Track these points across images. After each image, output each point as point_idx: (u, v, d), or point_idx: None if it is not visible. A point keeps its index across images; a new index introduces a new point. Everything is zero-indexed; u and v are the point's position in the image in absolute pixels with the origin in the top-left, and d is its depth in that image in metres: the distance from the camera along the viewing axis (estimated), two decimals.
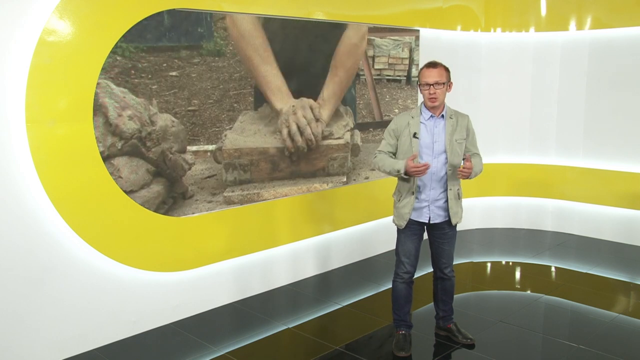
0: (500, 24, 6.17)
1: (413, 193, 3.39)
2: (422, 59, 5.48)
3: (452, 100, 5.62)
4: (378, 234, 5.41)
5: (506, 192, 6.45)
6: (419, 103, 3.57)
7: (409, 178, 3.36)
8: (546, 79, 6.13)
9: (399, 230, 3.52)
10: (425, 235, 3.56)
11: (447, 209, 3.42)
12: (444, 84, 3.30)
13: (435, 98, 3.29)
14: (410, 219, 3.44)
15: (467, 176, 3.32)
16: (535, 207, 6.39)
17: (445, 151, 3.36)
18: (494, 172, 6.34)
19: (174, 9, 3.73)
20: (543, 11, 6.03)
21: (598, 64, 5.81)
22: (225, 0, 3.97)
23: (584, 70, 5.90)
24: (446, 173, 3.37)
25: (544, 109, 6.18)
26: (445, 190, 3.39)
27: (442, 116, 3.38)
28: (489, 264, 5.37)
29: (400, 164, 3.30)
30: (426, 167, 3.22)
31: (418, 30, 5.54)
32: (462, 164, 3.38)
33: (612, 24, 5.67)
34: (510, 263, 5.38)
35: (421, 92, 3.36)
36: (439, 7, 5.70)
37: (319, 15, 4.62)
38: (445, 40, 5.86)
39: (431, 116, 3.37)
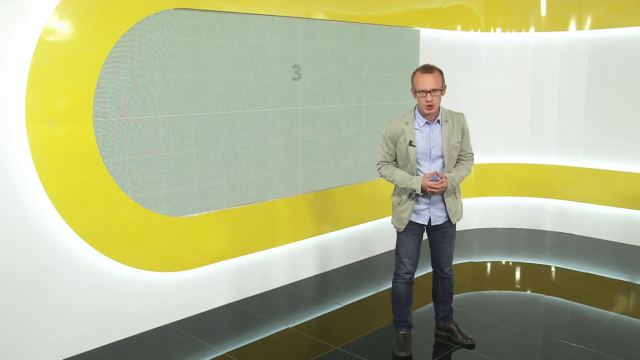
0: (500, 24, 6.17)
1: (413, 198, 3.39)
2: (422, 59, 5.48)
3: (453, 100, 5.64)
4: (378, 234, 5.41)
5: (506, 192, 6.45)
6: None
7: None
8: (546, 79, 6.12)
9: (398, 232, 3.52)
10: (425, 235, 3.56)
11: (446, 210, 3.42)
12: (440, 90, 3.25)
13: (432, 105, 3.25)
14: (410, 220, 3.43)
15: (438, 193, 3.31)
16: (535, 207, 6.39)
17: (442, 156, 3.35)
18: (494, 172, 6.34)
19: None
20: (543, 11, 6.03)
21: (598, 64, 5.81)
22: (225, 0, 3.97)
23: (584, 70, 5.90)
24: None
25: (544, 109, 6.18)
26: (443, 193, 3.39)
27: (438, 121, 3.35)
28: (489, 264, 5.37)
29: (415, 184, 3.29)
30: (443, 186, 3.25)
31: (418, 31, 5.54)
32: (435, 178, 3.30)
33: (612, 24, 5.67)
34: (510, 263, 5.38)
35: (415, 98, 3.33)
36: (439, 7, 5.70)
37: (319, 15, 4.62)
38: (445, 40, 5.86)
39: (426, 122, 3.34)
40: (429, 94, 3.22)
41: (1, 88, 3.09)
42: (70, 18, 3.27)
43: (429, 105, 3.25)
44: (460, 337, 3.65)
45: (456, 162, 3.45)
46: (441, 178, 3.29)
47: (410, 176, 3.34)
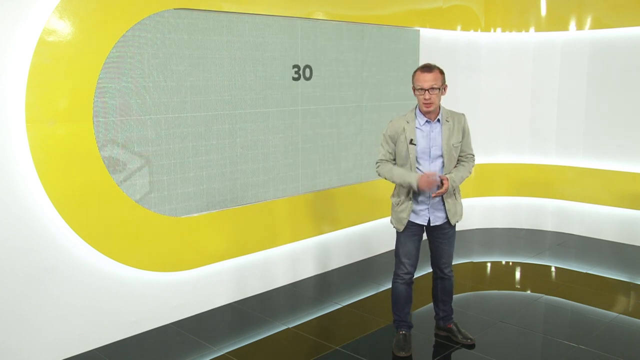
0: (500, 24, 6.17)
1: (411, 199, 3.39)
2: (422, 59, 5.48)
3: (453, 100, 5.63)
4: (378, 234, 5.41)
5: (506, 192, 6.45)
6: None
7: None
8: (546, 79, 6.12)
9: (398, 232, 3.52)
10: (424, 236, 3.56)
11: (446, 211, 3.42)
12: (439, 88, 3.25)
13: (430, 103, 3.26)
14: (409, 220, 3.43)
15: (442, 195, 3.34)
16: (535, 207, 6.39)
17: (442, 155, 3.35)
18: (494, 172, 6.34)
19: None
20: (543, 11, 6.03)
21: (598, 64, 5.81)
22: (225, 0, 3.98)
23: (584, 70, 5.90)
24: None
25: (544, 109, 6.18)
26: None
27: (438, 120, 3.36)
28: (489, 264, 5.37)
29: (412, 179, 3.28)
30: (434, 179, 3.25)
31: (418, 31, 5.54)
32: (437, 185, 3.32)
33: (612, 24, 5.67)
34: (510, 263, 5.38)
35: (415, 96, 3.34)
36: (439, 7, 5.70)
37: (319, 15, 4.62)
38: (445, 40, 5.86)
39: (427, 121, 3.34)
40: (427, 92, 3.23)
41: (1, 88, 3.09)
42: (70, 18, 3.27)
43: (427, 103, 3.26)
44: (460, 337, 3.65)
45: (457, 163, 3.45)
46: (443, 181, 3.29)
47: (408, 171, 3.33)
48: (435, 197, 3.34)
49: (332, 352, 3.59)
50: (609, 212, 5.93)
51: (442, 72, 3.29)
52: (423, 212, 3.42)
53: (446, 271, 3.59)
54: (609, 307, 4.26)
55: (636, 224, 5.76)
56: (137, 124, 3.64)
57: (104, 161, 3.50)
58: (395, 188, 3.51)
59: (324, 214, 4.96)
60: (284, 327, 3.95)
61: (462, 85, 6.01)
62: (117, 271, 3.67)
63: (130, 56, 3.54)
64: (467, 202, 6.05)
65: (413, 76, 3.33)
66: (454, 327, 3.70)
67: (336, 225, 5.09)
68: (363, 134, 5.16)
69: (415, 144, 3.32)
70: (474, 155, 3.52)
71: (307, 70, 4.61)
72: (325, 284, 4.83)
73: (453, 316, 3.74)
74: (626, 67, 5.64)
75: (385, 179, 3.46)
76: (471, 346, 3.61)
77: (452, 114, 3.41)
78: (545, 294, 4.50)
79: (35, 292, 3.34)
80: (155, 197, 3.78)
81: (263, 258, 4.54)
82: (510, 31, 6.16)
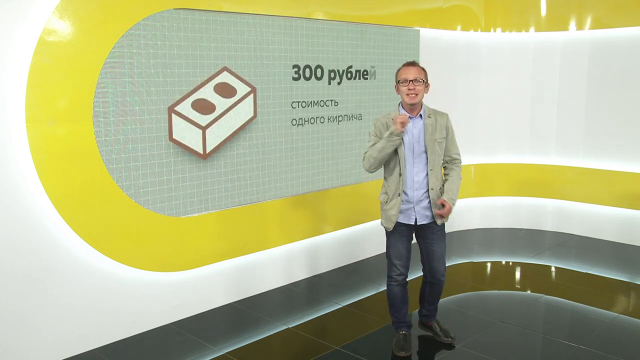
0: (500, 24, 6.17)
1: (399, 195, 3.38)
2: (422, 59, 5.48)
3: (452, 100, 5.63)
4: (378, 234, 5.37)
5: (506, 192, 6.45)
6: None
7: (397, 179, 3.36)
8: (546, 79, 6.13)
9: (388, 233, 3.50)
10: (414, 239, 3.55)
11: (431, 209, 3.41)
12: (423, 81, 3.30)
13: (415, 94, 3.27)
14: (397, 221, 3.43)
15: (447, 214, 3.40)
16: (535, 207, 6.39)
17: (425, 151, 3.35)
18: (494, 172, 6.34)
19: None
20: (543, 11, 6.03)
21: (598, 64, 5.81)
22: (225, 0, 3.98)
23: (584, 70, 5.90)
24: (427, 173, 3.36)
25: (544, 109, 6.18)
26: (428, 190, 3.38)
27: (420, 116, 3.37)
28: (489, 264, 5.37)
29: (391, 128, 3.24)
30: (448, 209, 3.32)
31: (418, 31, 5.54)
32: (438, 207, 3.39)
33: (612, 24, 5.67)
34: (510, 263, 5.38)
35: (399, 91, 3.35)
36: (439, 7, 5.70)
37: (319, 15, 4.62)
38: (445, 40, 5.86)
39: (409, 117, 3.35)
40: (411, 82, 3.27)
41: (1, 88, 3.09)
42: (70, 18, 3.28)
43: (412, 94, 3.27)
44: (441, 335, 3.65)
45: (444, 169, 3.49)
46: (444, 204, 3.35)
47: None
48: (440, 219, 3.41)
49: (332, 352, 3.59)
50: (609, 212, 5.93)
51: (425, 71, 3.36)
52: (409, 212, 3.41)
53: (437, 276, 3.55)
54: (609, 307, 4.26)
55: (636, 224, 5.76)
56: (137, 124, 3.64)
57: (104, 161, 3.50)
58: (382, 186, 3.51)
59: (324, 214, 4.95)
60: (284, 327, 3.95)
61: (462, 85, 6.02)
62: (117, 271, 3.68)
63: (130, 56, 3.54)
64: (467, 202, 6.06)
65: (396, 74, 3.37)
66: (435, 325, 3.70)
67: (336, 225, 5.08)
68: (363, 134, 5.16)
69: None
70: (460, 158, 3.52)
71: (307, 70, 4.61)
72: (325, 284, 4.83)
73: (436, 315, 3.74)
74: (626, 67, 5.65)
75: (372, 163, 3.34)
76: (471, 346, 3.61)
77: (435, 112, 3.43)
78: (545, 294, 4.50)
79: (35, 292, 3.34)
80: (155, 197, 3.78)
81: (263, 258, 4.54)
82: (510, 31, 6.16)
